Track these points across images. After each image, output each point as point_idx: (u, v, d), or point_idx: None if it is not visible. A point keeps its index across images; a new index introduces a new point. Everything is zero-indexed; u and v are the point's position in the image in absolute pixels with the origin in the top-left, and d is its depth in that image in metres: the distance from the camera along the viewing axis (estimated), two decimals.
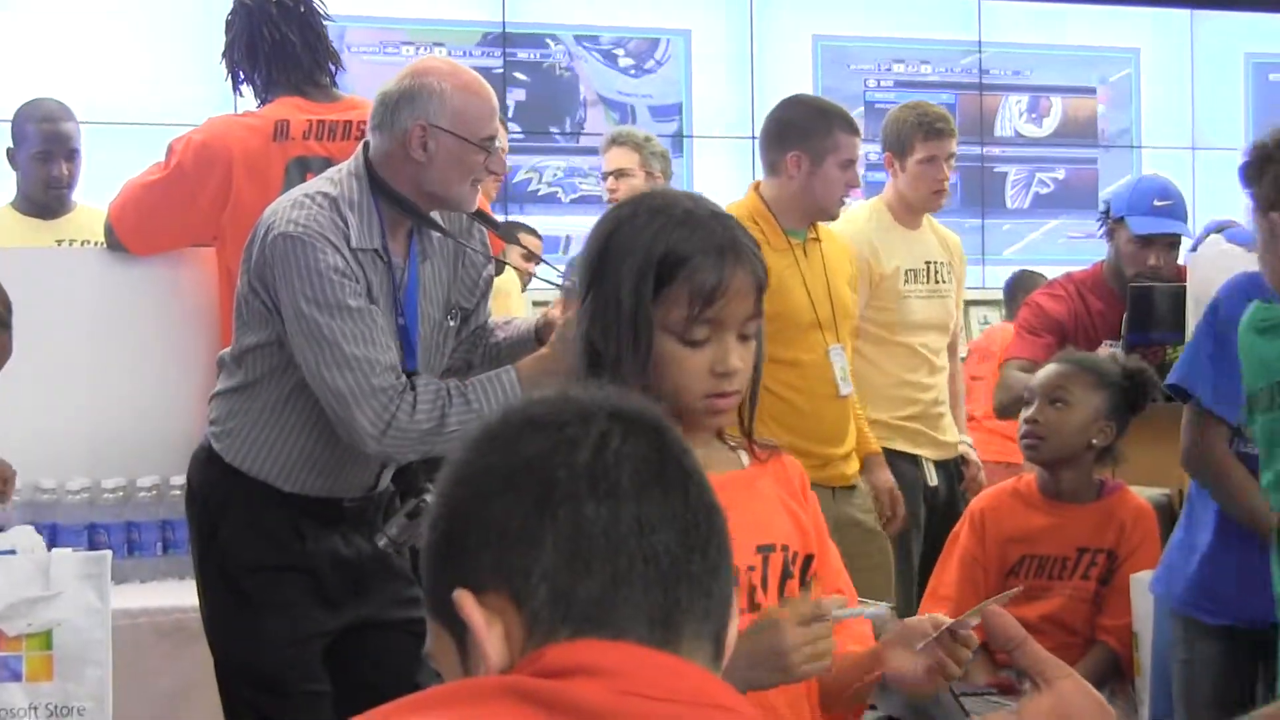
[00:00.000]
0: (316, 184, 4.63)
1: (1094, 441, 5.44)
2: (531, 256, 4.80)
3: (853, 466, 6.44)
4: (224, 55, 5.75)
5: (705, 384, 3.03)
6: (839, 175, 6.38)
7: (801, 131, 6.41)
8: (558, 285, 4.99)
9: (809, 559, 3.16)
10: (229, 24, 5.71)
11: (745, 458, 3.20)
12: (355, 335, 4.43)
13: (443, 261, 4.79)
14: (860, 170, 6.64)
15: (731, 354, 3.03)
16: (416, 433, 4.46)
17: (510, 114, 11.83)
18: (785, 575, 3.11)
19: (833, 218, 6.57)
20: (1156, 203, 6.69)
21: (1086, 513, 5.52)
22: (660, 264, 3.00)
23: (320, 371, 4.44)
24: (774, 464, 3.24)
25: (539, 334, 4.80)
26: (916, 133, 6.80)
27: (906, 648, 3.02)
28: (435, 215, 4.72)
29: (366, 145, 4.65)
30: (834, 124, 6.41)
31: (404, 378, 4.48)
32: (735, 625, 1.88)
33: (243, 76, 5.71)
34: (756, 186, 6.62)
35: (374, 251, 4.57)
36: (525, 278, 5.34)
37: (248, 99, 5.97)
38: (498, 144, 4.74)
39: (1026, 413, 5.56)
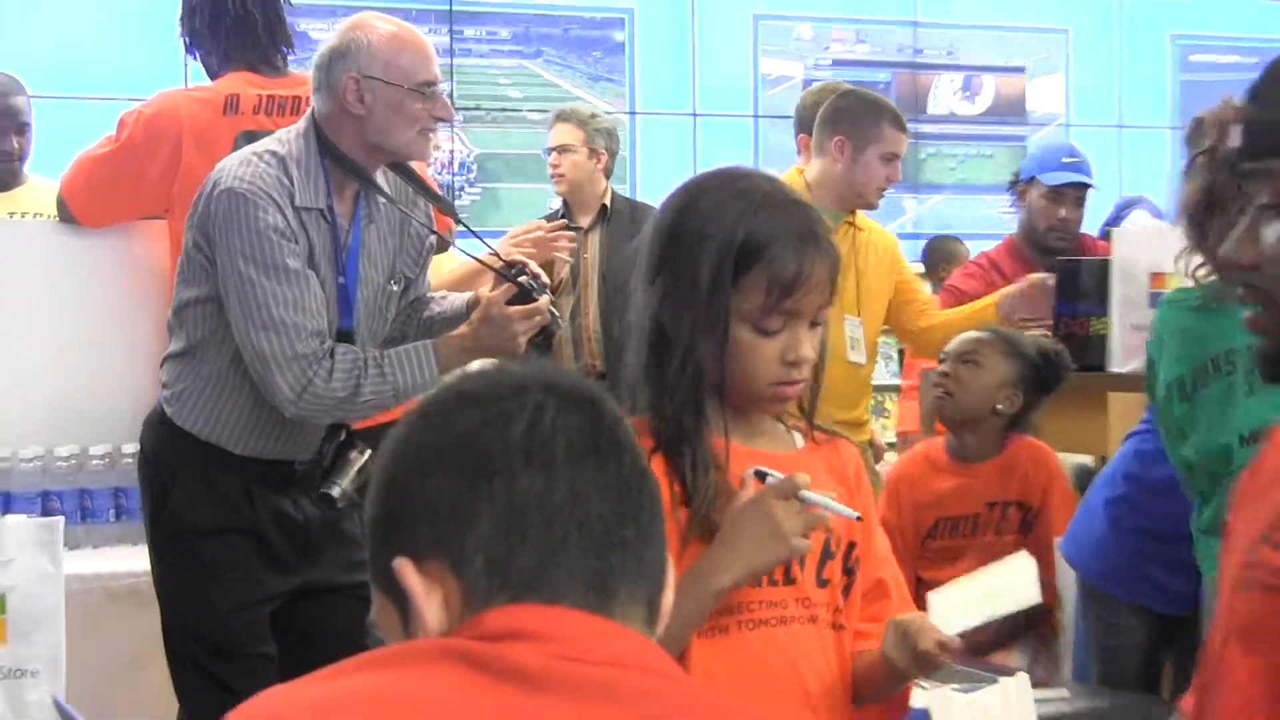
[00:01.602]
0: (265, 143, 4.64)
1: (999, 407, 5.51)
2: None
3: (860, 435, 6.51)
4: (182, 21, 5.69)
5: (776, 372, 2.97)
6: (880, 167, 6.50)
7: (851, 118, 6.51)
8: (484, 262, 4.92)
9: (852, 545, 3.08)
10: None
11: (800, 439, 3.15)
12: (286, 299, 4.46)
13: (389, 227, 4.79)
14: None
15: (804, 343, 2.97)
16: (331, 399, 4.51)
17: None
18: (826, 556, 3.03)
19: (871, 206, 6.67)
20: (1065, 159, 6.93)
21: (989, 468, 5.58)
22: (740, 250, 2.92)
23: (248, 331, 4.47)
24: (828, 448, 3.18)
25: (470, 311, 4.79)
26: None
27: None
28: (384, 185, 4.74)
29: (313, 108, 4.66)
30: (883, 117, 6.53)
31: (327, 343, 4.51)
32: (671, 590, 1.87)
33: (197, 46, 5.67)
34: (800, 171, 6.74)
35: (319, 211, 4.58)
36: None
37: (197, 72, 5.96)
38: (439, 89, 4.69)
39: (940, 369, 5.66)
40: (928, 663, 2.92)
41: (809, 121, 6.77)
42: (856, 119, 6.49)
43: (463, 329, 4.70)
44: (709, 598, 2.88)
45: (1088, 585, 5.26)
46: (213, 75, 5.65)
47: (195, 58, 5.72)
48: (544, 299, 4.68)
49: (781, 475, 2.93)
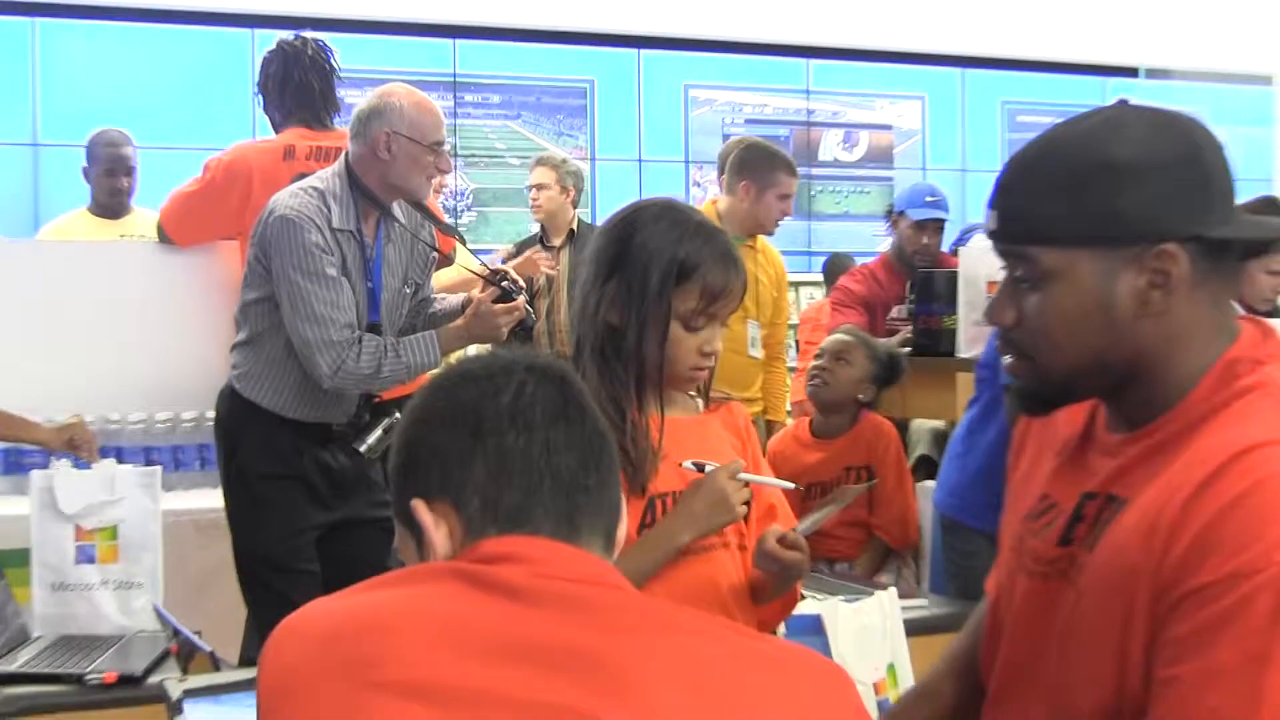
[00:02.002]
0: (310, 180, 4.70)
1: (860, 396, 5.56)
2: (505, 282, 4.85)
3: (753, 409, 6.54)
4: (258, 84, 5.67)
5: (695, 360, 2.97)
6: (776, 204, 6.50)
7: (754, 166, 6.50)
8: (475, 272, 5.03)
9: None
10: (267, 60, 5.62)
11: (701, 405, 3.14)
12: (325, 299, 4.53)
13: (402, 245, 4.83)
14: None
15: (717, 339, 2.99)
16: (360, 375, 4.57)
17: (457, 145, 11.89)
18: None
19: (768, 233, 6.67)
20: (927, 199, 6.91)
21: (844, 441, 5.62)
22: (681, 266, 2.91)
23: (295, 322, 4.55)
24: (723, 411, 3.17)
25: (463, 309, 4.85)
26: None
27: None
28: (398, 212, 4.78)
29: (347, 153, 4.71)
30: (778, 166, 6.54)
31: (356, 333, 4.58)
32: (625, 525, 1.87)
33: (268, 103, 5.64)
34: (714, 202, 6.74)
35: (350, 232, 4.64)
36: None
37: (261, 127, 5.96)
38: (445, 147, 4.78)
39: (817, 363, 5.69)
40: (776, 558, 2.91)
41: (750, 170, 6.77)
42: (758, 167, 6.49)
43: (459, 322, 4.78)
44: (671, 551, 2.89)
45: (946, 519, 5.28)
46: (276, 127, 5.61)
47: (264, 111, 5.68)
48: (520, 299, 4.75)
49: (717, 464, 2.94)
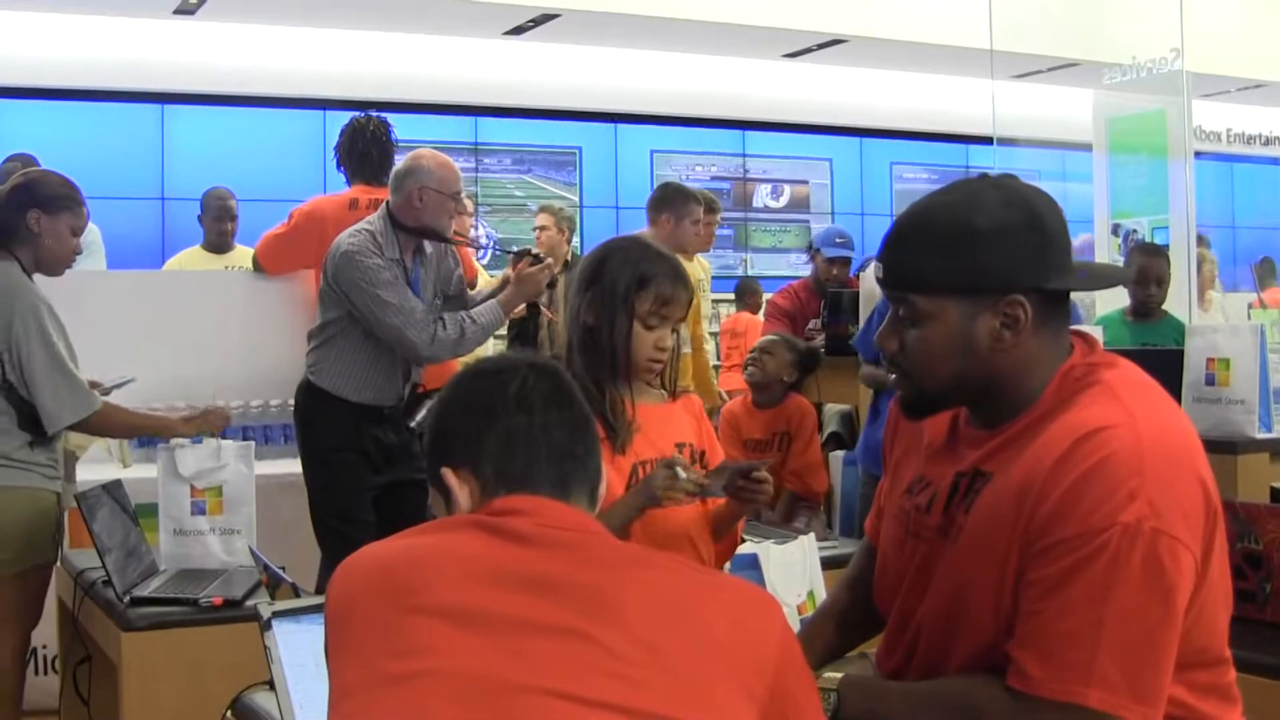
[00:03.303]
0: (361, 224, 4.72)
1: (784, 378, 5.53)
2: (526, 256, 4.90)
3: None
4: (335, 147, 5.66)
5: (650, 354, 2.97)
6: (691, 229, 6.43)
7: (671, 203, 6.43)
8: (509, 253, 5.09)
9: (703, 453, 3.10)
10: (343, 132, 5.62)
11: (665, 395, 3.12)
12: (398, 295, 4.56)
13: (432, 269, 4.82)
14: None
15: (667, 338, 2.98)
16: (450, 340, 4.61)
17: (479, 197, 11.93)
18: (693, 459, 3.04)
19: (689, 255, 6.57)
20: (837, 240, 6.81)
21: (774, 413, 5.56)
22: (640, 278, 2.94)
23: (383, 320, 4.56)
24: (684, 400, 3.17)
25: (503, 285, 4.88)
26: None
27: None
28: (426, 246, 4.78)
29: (388, 203, 4.74)
30: (691, 200, 6.47)
31: (430, 313, 4.61)
32: (604, 485, 1.85)
33: (341, 165, 5.64)
34: (642, 233, 6.64)
35: (395, 260, 4.64)
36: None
37: (331, 184, 5.99)
38: (463, 195, 4.89)
39: (751, 355, 5.68)
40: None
41: (672, 206, 6.74)
42: (674, 201, 6.42)
43: (508, 289, 4.82)
44: (634, 510, 2.86)
45: (865, 471, 5.38)
46: (347, 183, 5.61)
47: (338, 169, 5.67)
48: (548, 261, 4.87)
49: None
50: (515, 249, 5.07)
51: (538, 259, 4.83)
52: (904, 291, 2.02)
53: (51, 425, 3.98)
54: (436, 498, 1.85)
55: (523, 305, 5.03)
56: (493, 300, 4.81)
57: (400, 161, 4.83)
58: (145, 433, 4.53)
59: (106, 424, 4.17)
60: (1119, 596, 1.79)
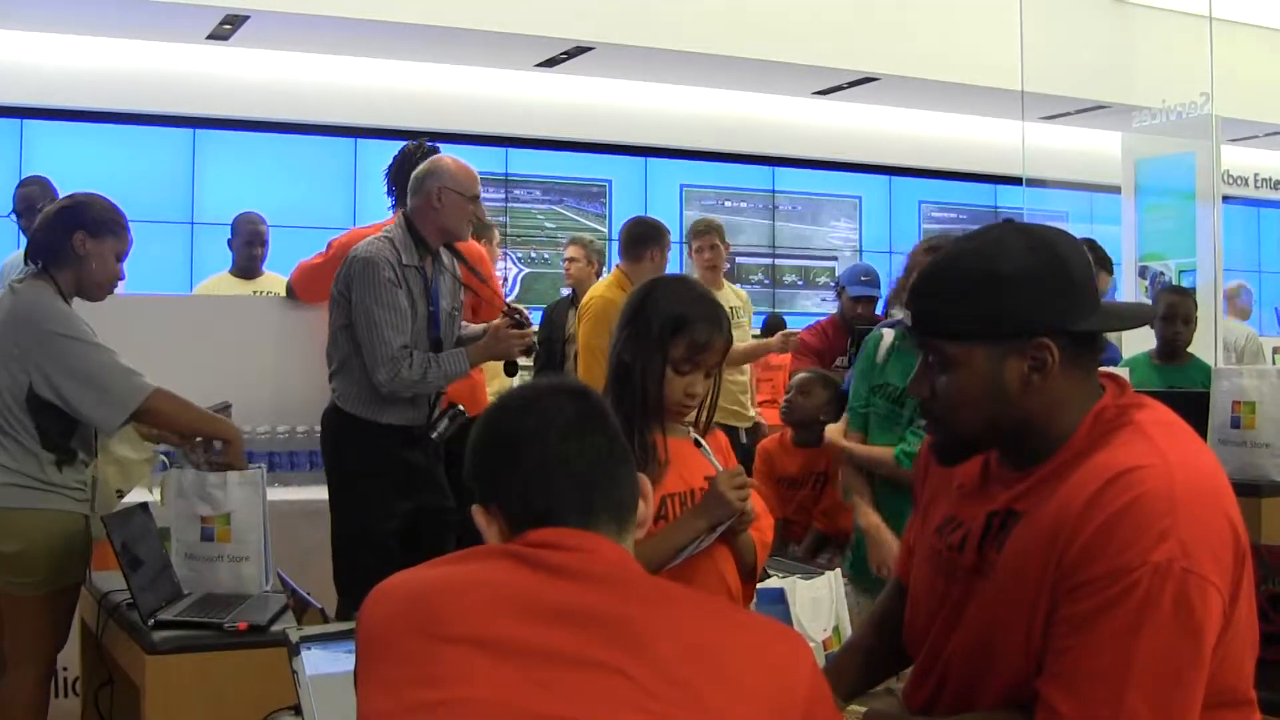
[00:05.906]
0: (384, 230, 4.80)
1: (821, 418, 5.47)
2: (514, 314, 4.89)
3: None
4: (386, 173, 5.72)
5: (680, 398, 2.94)
6: (662, 259, 6.60)
7: (655, 239, 6.58)
8: (502, 311, 4.99)
9: None
10: (395, 158, 5.66)
11: (693, 432, 3.05)
12: (390, 324, 4.59)
13: (451, 278, 4.88)
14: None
15: (698, 385, 2.95)
16: (410, 381, 4.62)
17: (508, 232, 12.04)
18: None
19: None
20: (862, 278, 6.80)
21: (813, 453, 5.55)
22: (676, 323, 2.91)
23: (365, 338, 4.61)
24: (710, 438, 3.09)
25: (485, 333, 4.87)
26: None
27: None
28: (444, 255, 4.85)
29: (407, 209, 4.82)
30: (664, 236, 6.66)
31: (408, 349, 4.62)
32: (644, 505, 1.85)
33: (391, 188, 5.69)
34: (619, 267, 6.73)
35: (414, 267, 4.71)
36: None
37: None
38: (480, 197, 4.89)
39: (787, 396, 5.71)
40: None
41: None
42: (659, 239, 6.63)
43: (482, 341, 4.83)
44: (691, 534, 2.87)
45: None
46: (392, 207, 5.62)
47: (388, 194, 5.72)
48: (530, 329, 4.89)
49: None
50: (509, 304, 5.06)
51: (519, 325, 4.81)
52: (932, 338, 2.04)
53: (106, 429, 4.03)
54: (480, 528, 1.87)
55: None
56: (462, 349, 4.79)
57: (421, 166, 4.89)
58: (201, 431, 4.17)
59: (155, 415, 4.01)
60: (1149, 635, 1.79)
